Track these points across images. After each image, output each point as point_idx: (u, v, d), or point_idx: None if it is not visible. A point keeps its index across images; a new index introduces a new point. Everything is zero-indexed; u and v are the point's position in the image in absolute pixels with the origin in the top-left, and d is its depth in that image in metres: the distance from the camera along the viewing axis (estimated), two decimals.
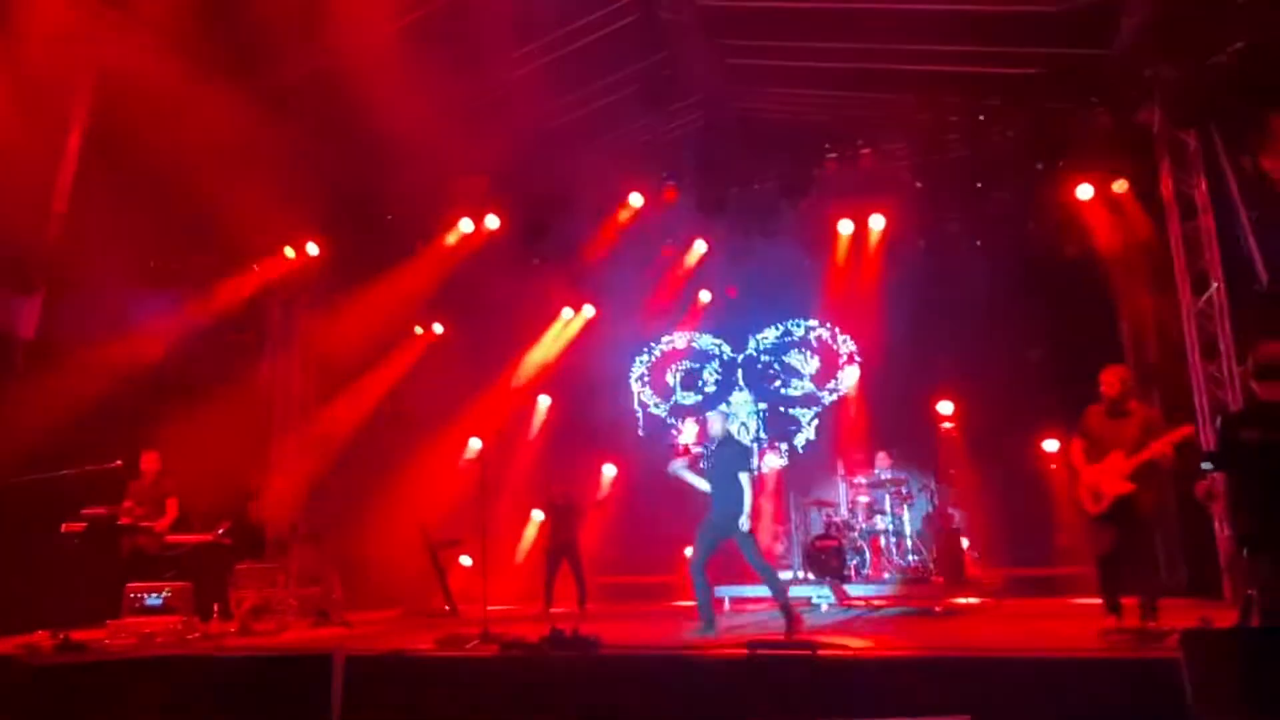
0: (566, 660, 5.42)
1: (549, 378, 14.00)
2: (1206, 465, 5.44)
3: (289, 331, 12.54)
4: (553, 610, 9.87)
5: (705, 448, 7.89)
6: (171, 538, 8.68)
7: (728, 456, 7.45)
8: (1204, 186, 9.38)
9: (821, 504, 11.11)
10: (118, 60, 8.43)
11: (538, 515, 12.63)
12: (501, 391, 13.76)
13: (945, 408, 11.99)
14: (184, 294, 10.63)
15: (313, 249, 11.90)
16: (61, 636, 6.39)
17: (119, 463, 8.37)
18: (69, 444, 8.18)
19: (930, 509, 11.14)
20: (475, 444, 13.28)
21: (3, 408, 8.22)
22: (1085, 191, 10.51)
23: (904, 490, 10.59)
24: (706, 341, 14.26)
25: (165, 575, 8.22)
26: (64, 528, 8.16)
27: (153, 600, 7.69)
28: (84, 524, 8.25)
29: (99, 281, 9.08)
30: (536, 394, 14.11)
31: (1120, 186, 10.44)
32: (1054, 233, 10.98)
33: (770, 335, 13.94)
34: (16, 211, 8.19)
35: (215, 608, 8.63)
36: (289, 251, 11.73)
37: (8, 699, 5.41)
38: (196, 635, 7.56)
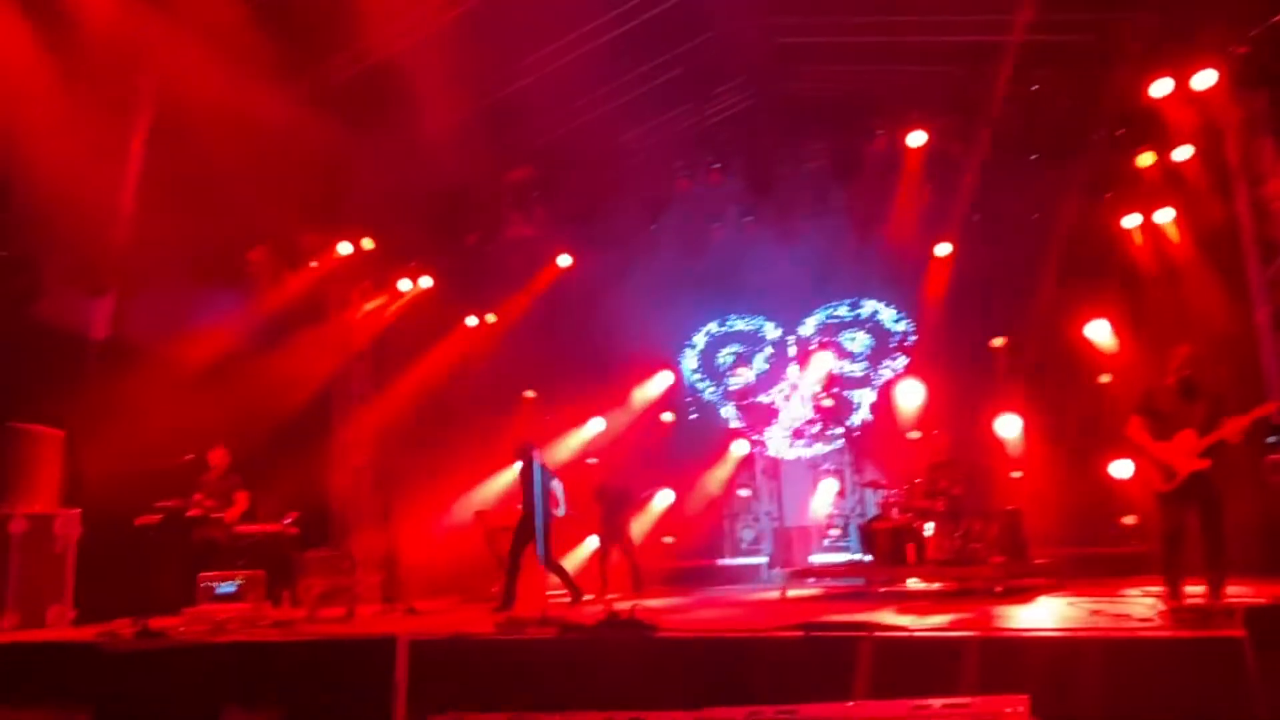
0: (624, 642, 5.47)
1: (600, 364, 14.03)
2: (1273, 439, 5.30)
3: (347, 324, 12.82)
4: (608, 595, 9.98)
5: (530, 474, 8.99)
6: (240, 528, 8.94)
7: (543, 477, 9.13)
8: (1271, 150, 9.04)
9: (877, 485, 11.02)
10: (176, 63, 8.64)
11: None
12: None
13: (1004, 386, 11.78)
14: (246, 291, 10.91)
15: (367, 244, 12.11)
16: (140, 624, 6.63)
17: (189, 457, 8.65)
18: (142, 440, 8.45)
19: (989, 488, 10.97)
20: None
21: (78, 407, 8.54)
22: (1146, 160, 10.22)
23: (961, 469, 10.44)
24: (758, 324, 14.20)
25: (236, 564, 8.47)
26: (139, 521, 8.48)
27: (225, 588, 7.93)
28: (158, 516, 8.58)
29: (165, 281, 9.35)
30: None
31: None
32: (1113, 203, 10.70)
33: (822, 316, 13.81)
34: (86, 215, 8.47)
35: (285, 595, 8.88)
36: (344, 246, 11.95)
37: (91, 683, 5.67)
38: (267, 621, 7.75)
